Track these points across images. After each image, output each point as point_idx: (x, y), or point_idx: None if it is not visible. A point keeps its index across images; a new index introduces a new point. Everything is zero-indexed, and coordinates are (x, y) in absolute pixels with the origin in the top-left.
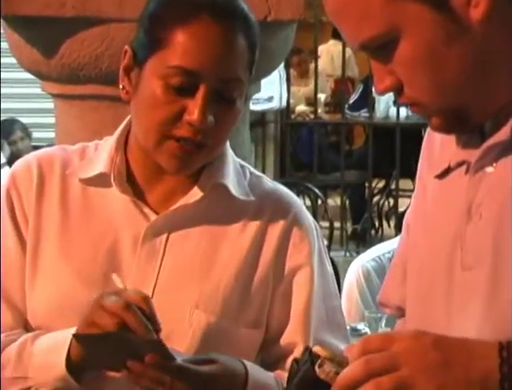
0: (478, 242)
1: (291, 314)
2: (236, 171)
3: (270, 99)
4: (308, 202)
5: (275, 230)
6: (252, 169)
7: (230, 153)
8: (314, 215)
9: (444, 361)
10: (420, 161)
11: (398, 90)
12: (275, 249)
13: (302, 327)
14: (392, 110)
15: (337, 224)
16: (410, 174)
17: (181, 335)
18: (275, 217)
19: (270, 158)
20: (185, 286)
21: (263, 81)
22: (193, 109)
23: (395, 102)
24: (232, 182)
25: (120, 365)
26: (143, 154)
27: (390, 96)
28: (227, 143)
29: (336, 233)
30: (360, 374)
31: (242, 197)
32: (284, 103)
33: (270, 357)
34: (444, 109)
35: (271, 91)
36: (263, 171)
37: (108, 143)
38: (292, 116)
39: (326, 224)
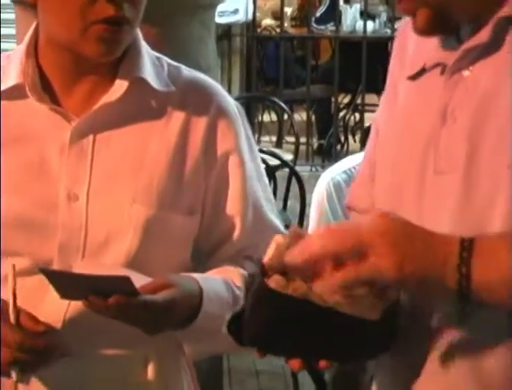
0: (451, 146)
1: (228, 199)
2: (153, 63)
3: (235, 12)
4: (274, 117)
5: (201, 120)
6: (169, 60)
7: (144, 46)
8: (280, 130)
9: (407, 234)
10: (391, 60)
11: None
12: (203, 137)
13: (239, 210)
14: (359, 24)
15: (303, 139)
16: (376, 89)
17: (123, 231)
18: (200, 107)
19: (236, 72)
20: (119, 183)
21: None
22: None
23: (361, 16)
24: (150, 75)
25: (83, 298)
26: (58, 55)
27: (357, 9)
28: (141, 37)
29: (302, 148)
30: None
31: (163, 89)
32: (250, 16)
33: (209, 242)
34: (431, 2)
35: (237, 3)
36: (229, 85)
37: (18, 52)
38: (259, 30)
39: (292, 139)
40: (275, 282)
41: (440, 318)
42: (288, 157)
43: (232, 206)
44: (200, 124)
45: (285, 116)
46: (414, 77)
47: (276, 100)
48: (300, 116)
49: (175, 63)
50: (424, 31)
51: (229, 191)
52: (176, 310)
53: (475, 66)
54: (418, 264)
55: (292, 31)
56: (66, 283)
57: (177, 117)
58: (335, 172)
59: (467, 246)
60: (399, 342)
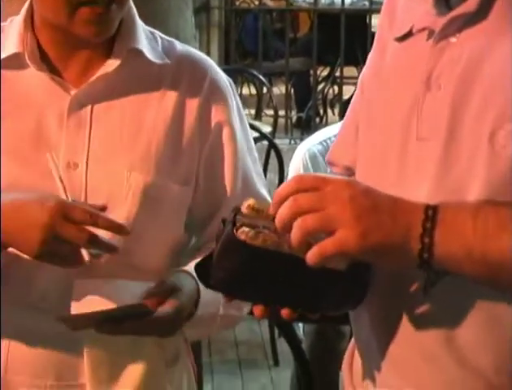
0: (434, 113)
1: (219, 171)
2: (148, 36)
3: None
4: (253, 90)
5: (196, 92)
6: (162, 35)
7: (138, 21)
8: (259, 103)
9: (372, 206)
10: (380, 18)
11: None
12: (198, 109)
13: (230, 182)
14: None
15: (282, 112)
16: (355, 61)
17: (121, 199)
18: (194, 80)
19: (214, 45)
20: (117, 152)
21: None
22: None
23: None
24: (145, 47)
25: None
26: (52, 32)
27: None
28: (135, 11)
29: (281, 121)
30: (288, 214)
31: (158, 61)
32: None
33: (202, 214)
34: None
35: None
36: None
37: (15, 23)
38: (237, 2)
39: (271, 112)
40: (244, 234)
41: (408, 283)
42: (267, 129)
43: (223, 178)
44: (195, 96)
45: (264, 89)
46: (400, 39)
47: (255, 73)
48: (279, 89)
49: (168, 38)
50: None
51: (221, 163)
52: (185, 312)
53: (461, 33)
54: (382, 235)
55: (270, 3)
56: (81, 321)
57: (173, 88)
58: (311, 144)
59: (431, 215)
60: (375, 299)
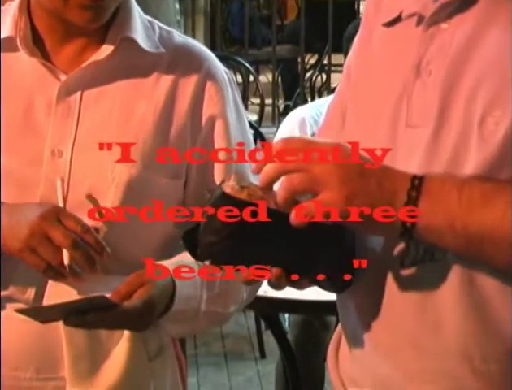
0: (424, 100)
1: (212, 165)
2: (145, 25)
3: None
4: (239, 78)
5: (190, 83)
6: (161, 24)
7: (136, 8)
8: (245, 91)
9: (359, 170)
10: (366, 3)
11: None
12: (190, 101)
13: (223, 176)
14: None
15: (269, 100)
16: (343, 49)
17: (104, 190)
18: (189, 71)
19: (200, 32)
20: (104, 141)
21: None
22: None
23: None
24: (140, 36)
25: (63, 319)
26: (47, 16)
27: None
28: (133, 0)
29: (268, 109)
30: (273, 170)
31: (152, 50)
32: None
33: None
34: None
35: None
36: None
37: (11, 7)
38: None
39: (257, 100)
40: (229, 187)
41: (393, 269)
42: (254, 118)
43: (216, 173)
44: (188, 88)
45: (251, 77)
46: (388, 24)
47: (241, 60)
48: (266, 77)
49: (168, 28)
50: None
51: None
52: (156, 306)
53: (452, 19)
54: (367, 200)
55: None
56: (45, 313)
57: (166, 79)
58: (300, 110)
59: (417, 185)
60: (361, 285)
